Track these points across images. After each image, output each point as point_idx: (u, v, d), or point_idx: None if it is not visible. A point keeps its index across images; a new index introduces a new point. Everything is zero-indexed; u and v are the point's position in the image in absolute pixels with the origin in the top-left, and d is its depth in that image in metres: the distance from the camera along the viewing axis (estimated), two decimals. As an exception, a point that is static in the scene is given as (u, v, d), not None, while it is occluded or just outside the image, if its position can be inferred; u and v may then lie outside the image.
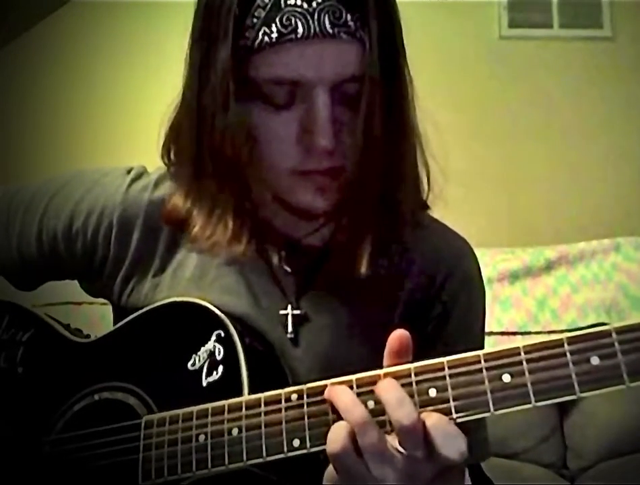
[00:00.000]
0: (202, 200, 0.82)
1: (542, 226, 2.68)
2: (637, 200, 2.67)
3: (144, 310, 0.84)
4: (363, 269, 0.81)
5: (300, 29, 0.71)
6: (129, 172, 0.92)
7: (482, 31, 2.82)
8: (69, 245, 0.89)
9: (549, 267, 2.33)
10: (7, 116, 2.95)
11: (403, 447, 0.61)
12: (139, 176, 0.91)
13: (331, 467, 0.64)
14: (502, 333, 2.24)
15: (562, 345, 0.61)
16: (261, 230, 0.85)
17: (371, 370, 0.67)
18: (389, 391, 0.62)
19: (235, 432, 0.70)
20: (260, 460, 0.68)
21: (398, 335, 0.65)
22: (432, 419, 0.61)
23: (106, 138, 2.86)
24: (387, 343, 0.65)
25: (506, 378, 0.62)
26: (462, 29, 2.81)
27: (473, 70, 2.78)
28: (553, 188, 2.74)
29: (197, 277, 0.87)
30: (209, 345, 0.77)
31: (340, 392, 0.64)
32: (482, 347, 0.93)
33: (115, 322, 0.91)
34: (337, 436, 0.62)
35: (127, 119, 2.86)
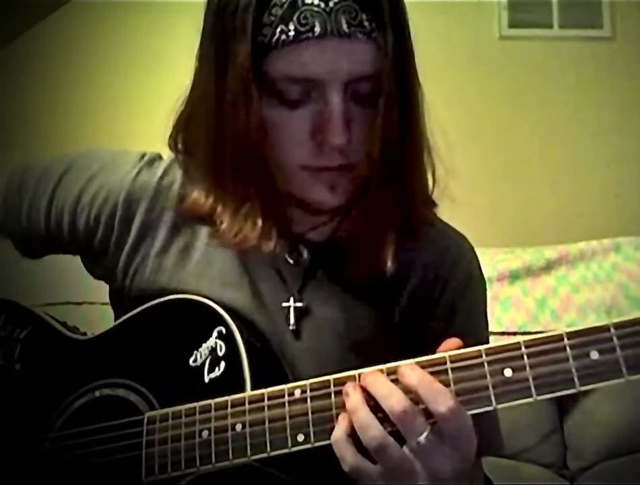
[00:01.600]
0: (226, 196, 0.83)
1: (542, 226, 2.68)
2: (637, 200, 2.67)
3: (144, 306, 0.84)
4: (389, 263, 0.83)
5: (318, 28, 0.72)
6: (142, 157, 0.93)
7: (482, 31, 2.81)
8: (73, 220, 0.91)
9: (549, 267, 2.32)
10: (7, 116, 2.95)
11: (406, 437, 0.62)
12: (151, 163, 0.92)
13: None
14: (502, 333, 2.22)
15: (562, 340, 0.62)
16: (285, 225, 0.86)
17: (373, 364, 0.68)
18: (376, 384, 0.64)
19: (239, 427, 0.70)
20: (264, 455, 0.69)
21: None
22: (415, 376, 0.63)
23: (106, 138, 2.86)
24: (443, 346, 0.67)
25: (508, 372, 0.63)
26: (462, 29, 2.81)
27: (473, 70, 2.78)
28: (553, 188, 2.74)
29: (201, 269, 0.87)
30: (211, 341, 0.77)
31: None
32: (487, 343, 0.94)
33: (117, 317, 0.92)
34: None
35: (127, 119, 2.86)
